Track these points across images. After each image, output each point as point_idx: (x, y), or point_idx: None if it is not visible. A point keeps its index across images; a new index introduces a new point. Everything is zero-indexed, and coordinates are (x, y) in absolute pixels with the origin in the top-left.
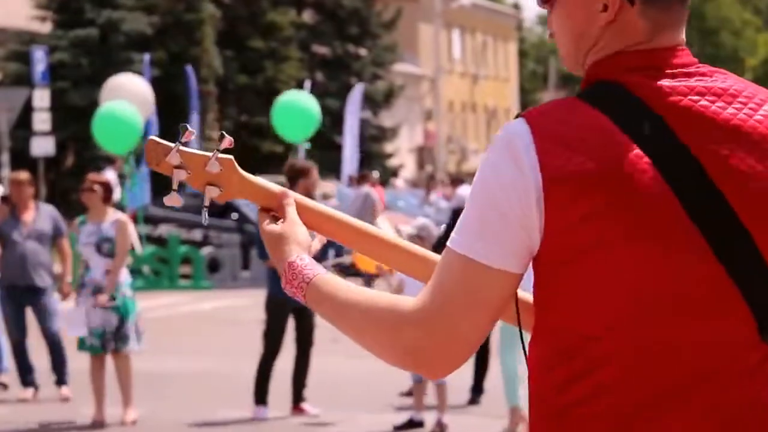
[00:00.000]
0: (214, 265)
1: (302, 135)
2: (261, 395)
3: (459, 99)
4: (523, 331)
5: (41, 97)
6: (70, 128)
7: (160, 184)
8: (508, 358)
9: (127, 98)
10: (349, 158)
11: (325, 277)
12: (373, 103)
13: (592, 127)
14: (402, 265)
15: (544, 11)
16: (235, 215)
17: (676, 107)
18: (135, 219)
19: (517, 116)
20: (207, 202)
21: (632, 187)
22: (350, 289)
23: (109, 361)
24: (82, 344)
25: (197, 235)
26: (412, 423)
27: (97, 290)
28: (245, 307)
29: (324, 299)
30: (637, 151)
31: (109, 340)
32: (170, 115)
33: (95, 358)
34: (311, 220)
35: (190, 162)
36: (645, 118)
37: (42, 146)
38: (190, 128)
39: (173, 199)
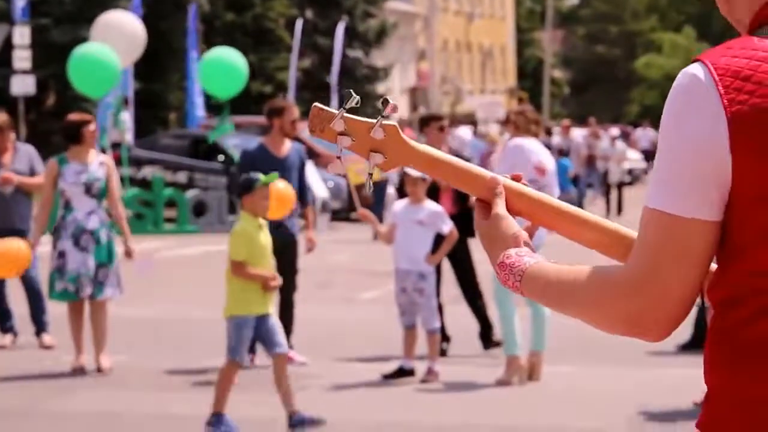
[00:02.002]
0: (199, 209)
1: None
2: None
3: (453, 38)
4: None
5: (21, 35)
6: (52, 67)
7: (145, 125)
8: (505, 307)
9: (118, 37)
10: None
11: (534, 266)
12: (364, 42)
13: None
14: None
15: None
16: (221, 157)
17: None
18: (119, 161)
19: (693, 61)
20: (371, 170)
21: None
22: (560, 269)
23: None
24: (53, 291)
25: (182, 177)
26: (402, 371)
27: (80, 231)
28: None
29: (538, 287)
30: None
31: (85, 286)
32: (158, 55)
33: (73, 304)
34: (522, 207)
35: (353, 128)
36: None
37: (22, 85)
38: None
39: (338, 167)
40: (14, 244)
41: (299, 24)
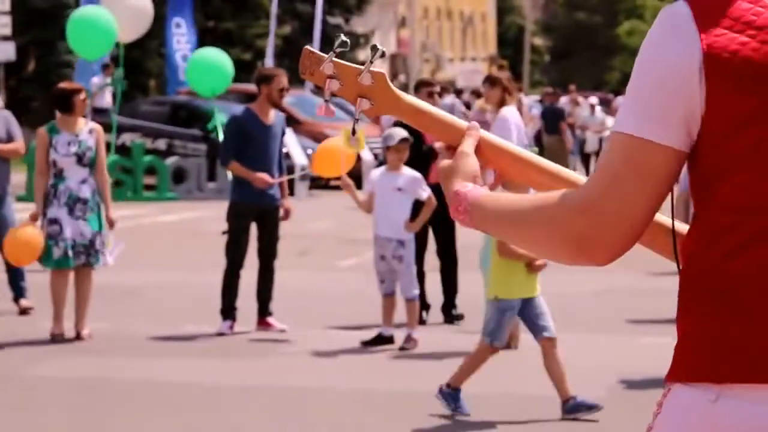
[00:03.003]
0: (179, 176)
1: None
2: (227, 309)
3: (434, 5)
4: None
5: (2, 1)
6: (32, 33)
7: (124, 92)
8: None
9: (127, 11)
10: None
11: (487, 195)
12: (344, 9)
13: (754, 1)
14: None
15: None
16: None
17: None
18: (107, 127)
19: None
20: (358, 115)
21: None
22: (514, 196)
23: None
24: (48, 259)
25: (162, 144)
26: (381, 338)
27: (73, 200)
28: (211, 218)
29: (488, 213)
30: None
31: (80, 254)
32: None
33: (61, 272)
34: (490, 155)
35: (342, 73)
36: None
37: (2, 51)
38: (344, 37)
39: (327, 110)
40: (29, 231)
41: None
